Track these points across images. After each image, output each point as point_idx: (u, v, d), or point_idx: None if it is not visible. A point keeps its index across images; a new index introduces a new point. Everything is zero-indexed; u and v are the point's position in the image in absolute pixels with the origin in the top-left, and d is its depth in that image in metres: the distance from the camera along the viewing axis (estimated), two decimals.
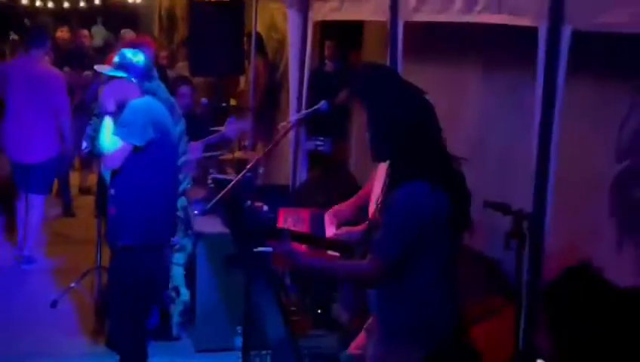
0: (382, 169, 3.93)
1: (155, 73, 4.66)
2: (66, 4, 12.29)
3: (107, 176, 4.74)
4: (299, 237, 3.67)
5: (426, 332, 3.09)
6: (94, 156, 4.97)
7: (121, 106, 4.47)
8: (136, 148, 4.33)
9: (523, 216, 3.45)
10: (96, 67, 4.74)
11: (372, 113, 3.17)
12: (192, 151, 5.60)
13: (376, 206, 3.24)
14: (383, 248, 2.99)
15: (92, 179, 9.15)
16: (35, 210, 7.15)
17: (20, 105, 6.92)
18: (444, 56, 5.70)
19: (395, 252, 2.97)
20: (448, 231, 3.06)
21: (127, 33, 9.77)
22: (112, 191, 4.49)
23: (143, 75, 4.47)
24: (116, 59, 4.50)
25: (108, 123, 4.41)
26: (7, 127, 7.00)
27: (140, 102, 4.42)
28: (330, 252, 3.73)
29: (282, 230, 3.95)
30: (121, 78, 4.44)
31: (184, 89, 6.73)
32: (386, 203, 3.07)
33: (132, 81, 4.44)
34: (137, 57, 4.50)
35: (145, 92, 4.46)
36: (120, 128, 4.34)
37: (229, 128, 5.98)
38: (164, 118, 4.49)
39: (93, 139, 4.75)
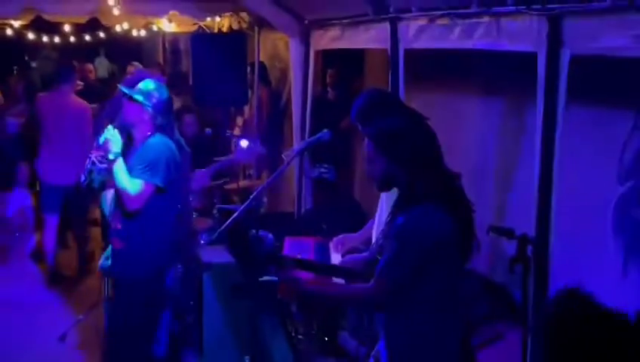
0: (384, 199, 3.96)
1: (172, 111, 4.66)
2: (72, 39, 12.35)
3: (106, 209, 4.74)
4: (303, 264, 3.68)
5: (431, 358, 3.09)
6: (92, 190, 4.96)
7: (127, 130, 4.48)
8: (159, 190, 4.34)
9: (527, 241, 3.46)
10: (120, 86, 4.71)
11: (374, 136, 3.17)
12: (199, 179, 5.60)
13: (381, 233, 3.25)
14: (388, 271, 3.00)
15: (98, 212, 9.20)
16: (50, 228, 7.67)
17: (51, 134, 7.50)
18: (444, 81, 5.74)
19: (400, 275, 2.98)
20: (454, 255, 3.06)
21: (134, 66, 9.86)
22: (119, 226, 4.50)
23: (160, 109, 4.46)
24: (140, 85, 4.50)
25: (120, 165, 4.36)
26: (40, 152, 7.61)
27: (158, 142, 4.41)
28: (335, 279, 3.73)
29: (286, 258, 3.96)
30: (137, 102, 4.43)
31: (189, 118, 6.79)
32: (391, 227, 3.08)
33: (148, 110, 4.43)
34: (160, 91, 4.50)
35: (157, 127, 4.46)
36: (143, 170, 4.33)
37: (238, 152, 5.97)
38: (177, 156, 4.50)
39: (91, 172, 4.71)
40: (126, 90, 4.48)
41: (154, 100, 4.44)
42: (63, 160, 7.31)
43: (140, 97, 4.41)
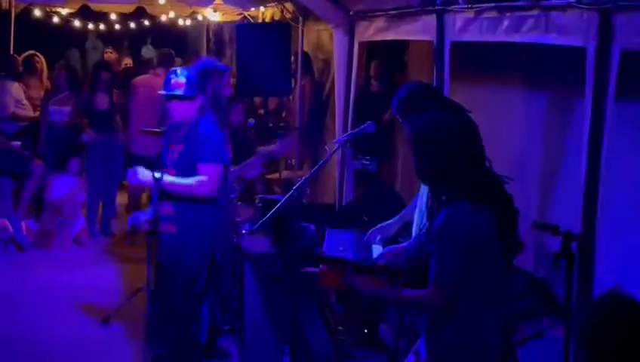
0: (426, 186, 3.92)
1: (209, 84, 4.79)
2: (117, 26, 12.49)
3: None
4: (343, 264, 3.66)
5: (473, 356, 3.07)
6: None
7: (178, 126, 4.61)
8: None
9: (572, 237, 3.42)
10: (160, 92, 4.89)
11: (414, 132, 3.15)
12: (253, 167, 5.67)
13: (420, 228, 3.24)
14: (441, 277, 2.98)
15: (143, 197, 9.33)
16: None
17: (140, 111, 8.50)
18: (488, 74, 5.68)
19: (453, 276, 2.96)
20: (497, 253, 3.03)
21: (148, 53, 10.03)
22: (173, 211, 4.61)
23: (195, 89, 4.60)
24: (170, 79, 4.64)
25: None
26: (130, 128, 8.69)
27: (208, 129, 4.60)
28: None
29: (328, 257, 3.95)
30: (179, 97, 4.56)
31: (236, 107, 6.86)
32: (433, 227, 3.06)
33: (190, 99, 4.56)
34: (189, 78, 4.63)
35: (200, 109, 4.60)
36: (208, 154, 4.55)
37: (280, 144, 6.04)
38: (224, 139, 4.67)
39: None
40: (168, 93, 4.62)
41: (186, 86, 4.57)
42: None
43: (180, 92, 4.54)
